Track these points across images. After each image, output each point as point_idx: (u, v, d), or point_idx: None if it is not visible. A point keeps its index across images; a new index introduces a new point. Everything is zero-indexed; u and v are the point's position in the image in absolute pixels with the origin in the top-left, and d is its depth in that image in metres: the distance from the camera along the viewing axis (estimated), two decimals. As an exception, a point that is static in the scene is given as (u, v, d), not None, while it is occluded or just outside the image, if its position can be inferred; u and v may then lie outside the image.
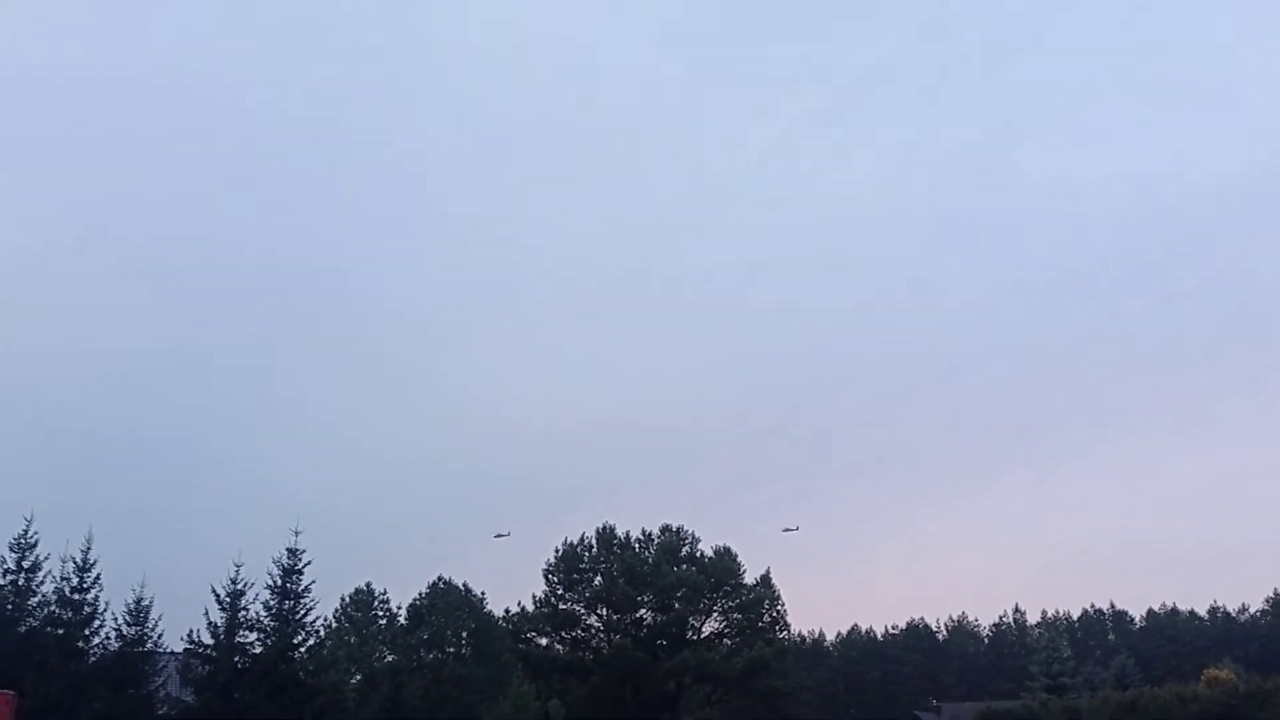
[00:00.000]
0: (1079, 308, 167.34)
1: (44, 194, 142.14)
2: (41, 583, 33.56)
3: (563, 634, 73.65)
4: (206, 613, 34.85)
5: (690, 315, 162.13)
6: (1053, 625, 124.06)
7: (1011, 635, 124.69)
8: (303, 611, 36.32)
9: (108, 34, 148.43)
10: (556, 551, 75.63)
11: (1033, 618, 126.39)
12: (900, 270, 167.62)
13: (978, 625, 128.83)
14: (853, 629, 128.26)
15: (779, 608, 76.49)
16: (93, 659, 33.23)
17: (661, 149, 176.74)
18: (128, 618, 33.90)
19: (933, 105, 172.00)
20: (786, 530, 78.87)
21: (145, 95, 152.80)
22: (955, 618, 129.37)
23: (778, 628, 76.08)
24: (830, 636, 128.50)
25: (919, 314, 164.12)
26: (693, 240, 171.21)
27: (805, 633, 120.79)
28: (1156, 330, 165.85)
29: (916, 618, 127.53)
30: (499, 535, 68.02)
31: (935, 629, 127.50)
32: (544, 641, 73.42)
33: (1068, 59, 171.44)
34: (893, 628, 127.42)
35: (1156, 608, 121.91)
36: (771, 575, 77.19)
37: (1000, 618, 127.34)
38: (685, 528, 77.41)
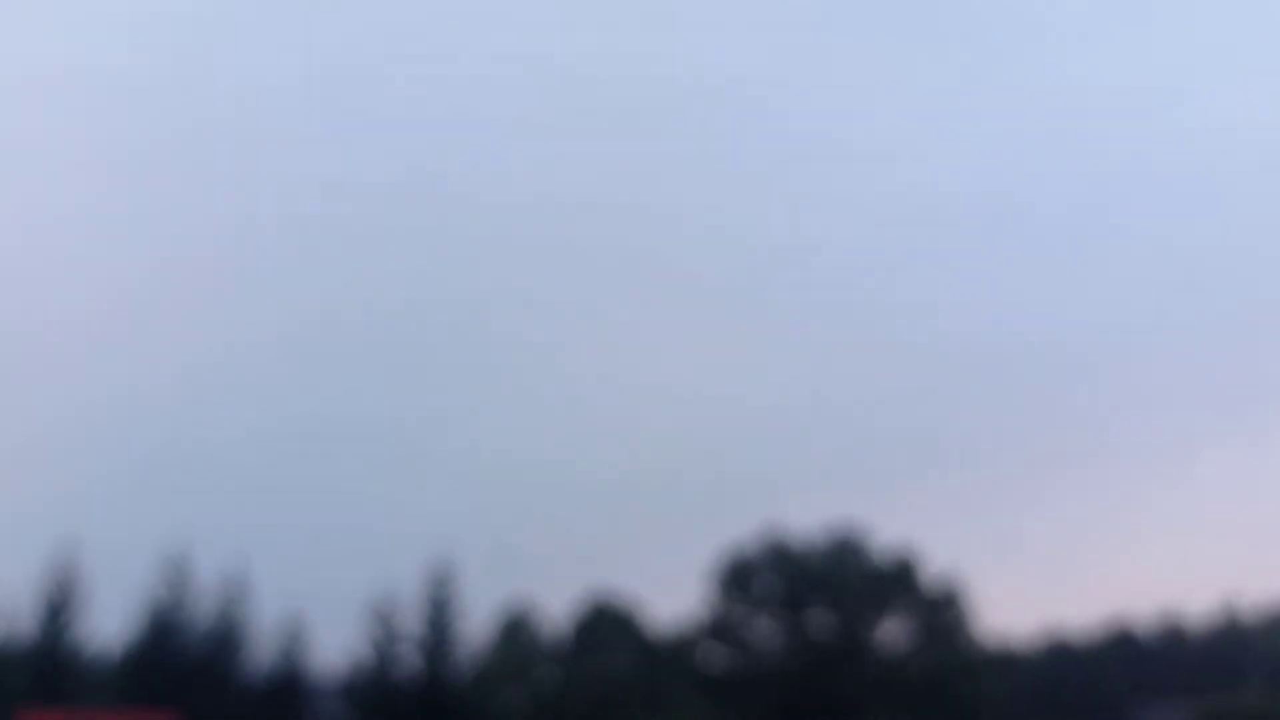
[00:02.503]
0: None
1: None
2: (199, 604, 34.12)
3: (729, 645, 71.74)
4: (363, 631, 34.94)
5: (845, 296, 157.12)
6: (1276, 615, 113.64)
7: (1228, 629, 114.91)
8: (456, 629, 36.24)
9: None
10: (718, 557, 73.86)
11: (1251, 608, 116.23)
12: (1078, 227, 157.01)
13: (1187, 619, 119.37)
14: (1049, 629, 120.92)
15: (966, 609, 72.51)
16: (250, 678, 33.47)
17: (792, 119, 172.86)
18: (283, 637, 34.09)
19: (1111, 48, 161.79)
20: None
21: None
22: (1161, 612, 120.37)
23: (965, 631, 72.13)
24: (1023, 638, 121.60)
25: (1101, 275, 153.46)
26: (845, 206, 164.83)
27: (995, 635, 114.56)
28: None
29: (1118, 613, 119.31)
30: None
31: (1140, 625, 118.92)
32: (710, 654, 71.71)
33: None
34: (1092, 626, 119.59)
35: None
36: (958, 573, 73.37)
37: (1213, 610, 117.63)
38: (859, 525, 74.37)
